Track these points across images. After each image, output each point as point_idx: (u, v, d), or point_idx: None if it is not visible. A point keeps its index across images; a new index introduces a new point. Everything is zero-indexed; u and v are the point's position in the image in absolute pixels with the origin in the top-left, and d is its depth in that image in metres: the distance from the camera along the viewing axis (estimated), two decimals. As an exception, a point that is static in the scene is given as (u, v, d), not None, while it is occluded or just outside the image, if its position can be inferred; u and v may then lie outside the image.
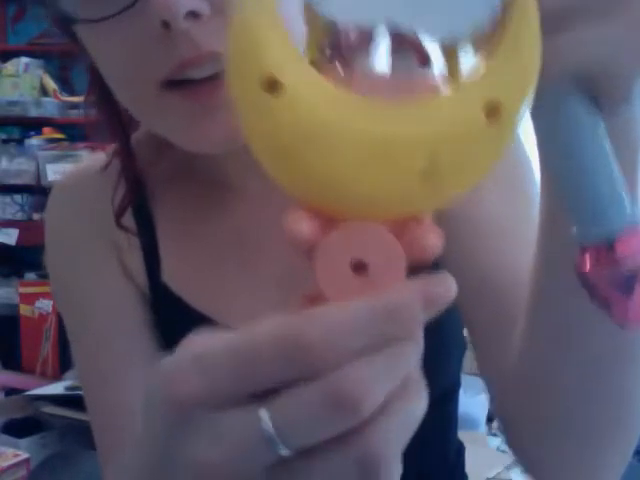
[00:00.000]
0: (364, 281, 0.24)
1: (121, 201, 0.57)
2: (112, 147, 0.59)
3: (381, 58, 0.25)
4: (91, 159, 0.64)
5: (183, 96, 0.44)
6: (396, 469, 0.24)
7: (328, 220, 0.25)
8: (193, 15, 0.41)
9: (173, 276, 0.57)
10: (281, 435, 0.22)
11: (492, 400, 0.50)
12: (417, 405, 0.24)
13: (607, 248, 0.27)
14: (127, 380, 0.55)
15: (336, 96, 0.23)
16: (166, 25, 0.40)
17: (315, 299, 0.24)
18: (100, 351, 0.57)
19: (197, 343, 0.24)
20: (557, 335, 0.40)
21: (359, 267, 0.24)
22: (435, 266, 0.54)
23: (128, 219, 0.58)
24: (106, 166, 0.59)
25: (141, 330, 0.57)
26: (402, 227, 0.25)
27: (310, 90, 0.23)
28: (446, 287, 0.24)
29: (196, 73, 0.43)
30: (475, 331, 0.49)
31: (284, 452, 0.22)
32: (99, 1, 0.43)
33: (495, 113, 0.24)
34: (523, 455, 0.48)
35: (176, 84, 0.44)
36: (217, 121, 0.44)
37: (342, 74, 0.25)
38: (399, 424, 0.24)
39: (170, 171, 0.59)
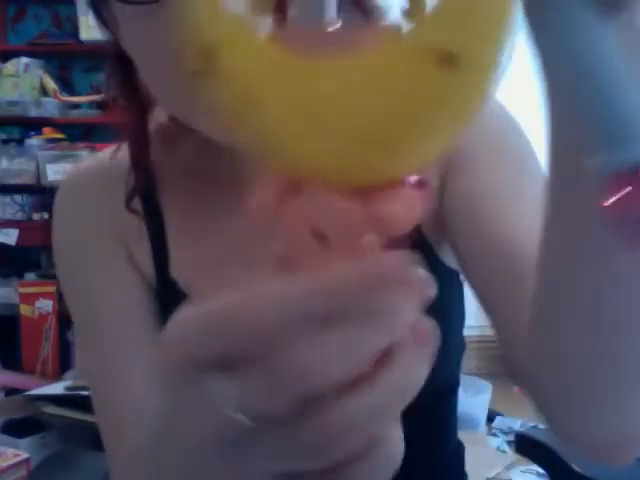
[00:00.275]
0: (326, 250, 0.23)
1: (133, 186, 0.57)
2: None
3: (320, 7, 0.23)
4: (96, 157, 0.64)
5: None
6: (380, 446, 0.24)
7: (294, 187, 0.24)
8: None
9: (181, 271, 0.58)
10: (243, 403, 0.22)
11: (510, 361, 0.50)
12: (407, 371, 0.24)
13: (634, 175, 0.24)
14: (136, 377, 0.54)
15: (270, 61, 0.22)
16: None
17: (285, 263, 0.24)
18: (108, 348, 0.57)
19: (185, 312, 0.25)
20: (575, 295, 0.38)
21: (320, 236, 0.23)
22: (423, 242, 0.56)
23: (139, 220, 0.58)
24: (115, 153, 0.59)
25: (150, 325, 0.57)
26: (372, 195, 0.23)
27: (244, 62, 0.23)
28: (399, 264, 0.23)
29: None
30: (491, 306, 0.50)
31: (245, 420, 0.22)
32: None
33: (447, 62, 0.21)
34: (550, 409, 0.47)
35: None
36: None
37: (279, 28, 0.23)
38: (379, 395, 0.23)
39: (181, 166, 0.59)
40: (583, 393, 0.41)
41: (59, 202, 0.62)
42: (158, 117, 0.60)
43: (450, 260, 0.59)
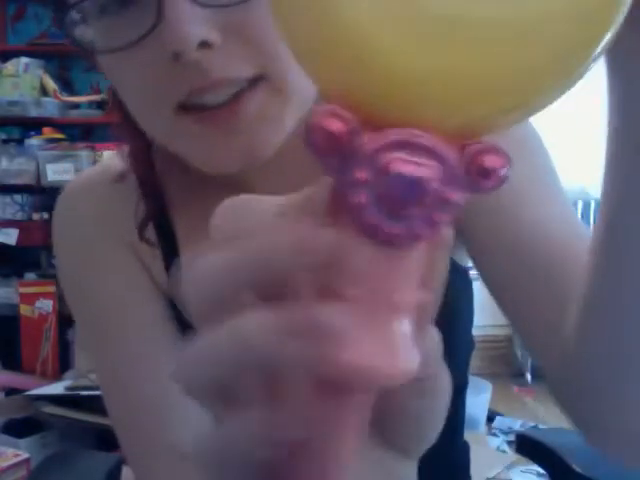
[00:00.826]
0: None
1: (143, 217, 0.57)
2: (124, 152, 0.59)
3: None
4: (103, 164, 0.63)
5: (197, 121, 0.44)
6: None
7: (363, 123, 0.19)
8: (205, 45, 0.42)
9: None
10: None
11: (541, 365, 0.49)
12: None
13: None
14: (155, 376, 0.53)
15: None
16: (177, 56, 0.41)
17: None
18: (126, 348, 0.56)
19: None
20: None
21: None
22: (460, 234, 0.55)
23: (149, 228, 0.57)
24: (121, 178, 0.58)
25: (165, 324, 0.56)
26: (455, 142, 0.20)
27: None
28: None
29: (210, 99, 0.44)
30: (522, 301, 0.49)
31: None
32: (115, 31, 0.44)
33: None
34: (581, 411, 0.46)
35: (191, 108, 0.44)
36: (232, 146, 0.45)
37: None
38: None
39: (189, 180, 0.58)
40: (633, 389, 0.41)
41: (62, 207, 0.61)
42: None
43: (459, 257, 0.59)
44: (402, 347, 0.20)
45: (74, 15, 0.45)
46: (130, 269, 0.57)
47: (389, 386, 0.20)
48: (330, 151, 0.19)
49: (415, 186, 0.19)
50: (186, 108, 0.45)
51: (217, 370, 0.21)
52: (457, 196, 0.19)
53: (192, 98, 0.44)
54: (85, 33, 0.45)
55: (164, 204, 0.59)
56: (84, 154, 2.52)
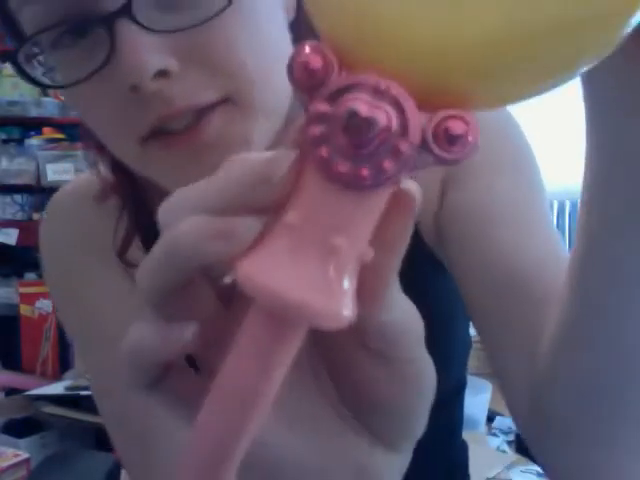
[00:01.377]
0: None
1: (124, 238, 0.57)
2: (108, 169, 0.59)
3: None
4: (84, 177, 0.64)
5: (164, 147, 0.44)
6: None
7: (344, 65, 0.20)
8: (162, 74, 0.40)
9: None
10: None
11: (509, 396, 0.48)
12: None
13: None
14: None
15: None
16: (135, 88, 0.40)
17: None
18: (110, 357, 0.54)
19: None
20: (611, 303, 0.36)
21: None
22: (423, 245, 0.53)
23: (134, 238, 0.58)
24: (102, 198, 0.58)
25: None
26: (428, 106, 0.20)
27: None
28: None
29: (174, 124, 0.43)
30: (492, 323, 0.48)
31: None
32: (70, 64, 0.43)
33: None
34: (550, 455, 0.45)
35: (156, 135, 0.44)
36: (199, 167, 0.43)
37: None
38: None
39: (173, 185, 0.59)
40: (592, 420, 0.39)
41: (50, 218, 0.61)
42: None
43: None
44: (329, 289, 0.20)
45: (29, 49, 0.43)
46: (116, 279, 0.57)
47: (294, 320, 0.20)
48: (306, 85, 0.20)
49: (365, 126, 0.19)
50: (151, 136, 0.44)
51: (156, 274, 0.22)
52: (409, 149, 0.20)
53: (156, 127, 0.43)
54: (41, 67, 0.44)
55: (150, 216, 0.59)
56: (84, 154, 2.52)
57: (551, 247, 0.48)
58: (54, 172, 2.52)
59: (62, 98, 2.61)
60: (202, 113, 0.43)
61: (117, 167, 0.57)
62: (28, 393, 2.19)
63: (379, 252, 0.21)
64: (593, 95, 0.30)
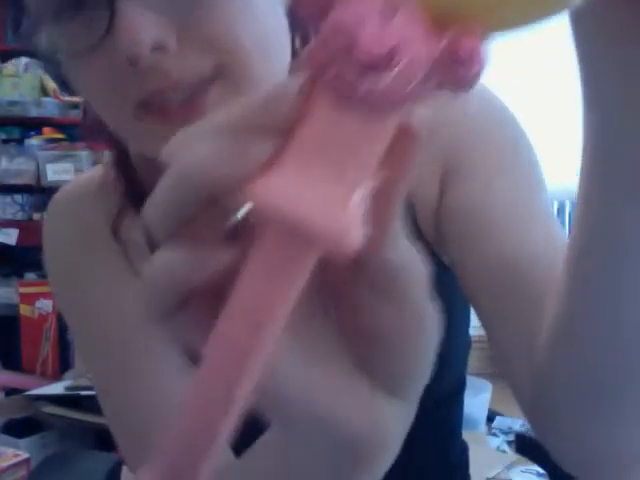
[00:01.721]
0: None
1: (116, 214, 0.58)
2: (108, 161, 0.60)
3: None
4: (90, 172, 0.64)
5: (159, 121, 0.44)
6: None
7: None
8: (159, 48, 0.42)
9: None
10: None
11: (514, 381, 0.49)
12: None
13: None
14: (157, 377, 0.53)
15: None
16: (133, 60, 0.41)
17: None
18: (123, 352, 0.56)
19: None
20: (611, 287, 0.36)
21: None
22: (424, 242, 0.54)
23: (137, 233, 0.58)
24: (103, 182, 0.59)
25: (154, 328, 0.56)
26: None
27: None
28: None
29: (171, 97, 0.44)
30: (493, 318, 0.49)
31: None
32: (70, 37, 0.44)
33: None
34: (549, 423, 0.46)
35: (151, 109, 0.44)
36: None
37: None
38: None
39: None
40: (602, 403, 0.40)
41: (51, 215, 0.62)
42: None
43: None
44: (341, 211, 0.20)
45: (30, 21, 0.44)
46: (118, 274, 0.57)
47: (305, 240, 0.20)
48: (315, 8, 0.20)
49: (377, 44, 0.19)
50: (146, 108, 0.44)
51: (169, 204, 0.22)
52: (419, 69, 0.19)
53: (152, 99, 0.44)
54: (42, 39, 0.45)
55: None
56: (84, 154, 2.52)
57: (550, 242, 0.49)
58: (54, 172, 2.52)
59: (62, 98, 2.62)
60: (199, 88, 0.44)
61: (119, 163, 0.58)
62: (28, 393, 2.19)
63: (386, 180, 0.22)
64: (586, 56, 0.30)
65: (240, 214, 0.22)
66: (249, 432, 0.26)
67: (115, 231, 0.58)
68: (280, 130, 0.21)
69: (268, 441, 0.33)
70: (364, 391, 0.27)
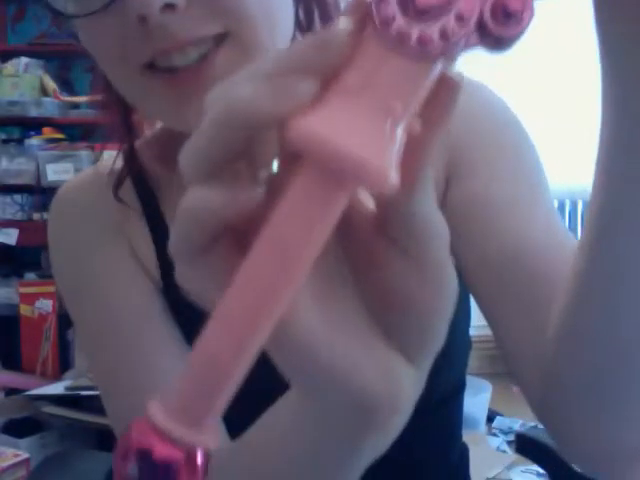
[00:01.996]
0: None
1: (119, 173, 0.60)
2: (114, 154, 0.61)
3: None
4: (92, 167, 0.65)
5: (166, 83, 0.46)
6: None
7: None
8: (168, 7, 0.43)
9: None
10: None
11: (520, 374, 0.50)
12: None
13: None
14: (160, 367, 0.53)
15: None
16: (143, 19, 0.43)
17: None
18: (127, 341, 0.56)
19: None
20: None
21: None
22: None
23: (142, 224, 0.60)
24: (112, 170, 0.61)
25: (162, 316, 0.56)
26: None
27: None
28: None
29: (178, 60, 0.45)
30: (499, 315, 0.50)
31: None
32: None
33: None
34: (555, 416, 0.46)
35: (159, 70, 0.46)
36: (194, 109, 0.45)
37: None
38: None
39: (175, 177, 0.60)
40: (609, 395, 0.41)
41: (57, 205, 0.62)
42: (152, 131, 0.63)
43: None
44: (384, 149, 0.20)
45: None
46: (124, 262, 0.58)
47: (352, 177, 0.20)
48: None
49: None
50: (153, 69, 0.46)
51: (212, 140, 0.22)
52: (467, 22, 0.20)
53: (159, 60, 0.46)
54: (58, 1, 0.47)
55: (156, 195, 0.61)
56: (84, 154, 2.52)
57: (552, 237, 0.50)
58: (54, 172, 2.52)
59: (62, 98, 2.62)
60: (207, 52, 0.45)
61: (128, 156, 0.60)
62: (28, 393, 2.19)
63: (423, 127, 0.22)
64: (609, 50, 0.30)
65: (278, 155, 0.22)
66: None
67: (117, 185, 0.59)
68: (328, 71, 0.21)
69: (286, 402, 0.33)
70: (381, 351, 0.26)
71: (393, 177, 0.20)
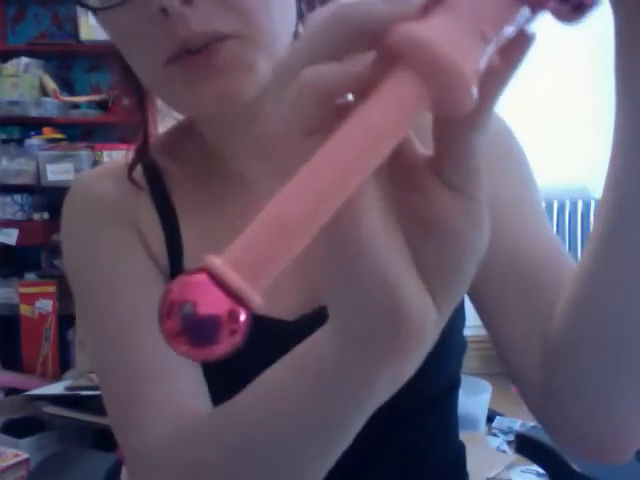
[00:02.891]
0: None
1: (133, 158, 0.64)
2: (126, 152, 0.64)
3: None
4: (107, 163, 0.69)
5: (183, 67, 0.50)
6: None
7: None
8: (186, 1, 0.48)
9: (194, 263, 0.59)
10: None
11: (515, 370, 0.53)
12: None
13: None
14: (152, 347, 0.54)
15: None
16: (164, 11, 0.47)
17: None
18: (129, 329, 0.56)
19: None
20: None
21: None
22: None
23: (152, 213, 0.62)
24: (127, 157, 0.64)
25: None
26: None
27: None
28: None
29: (190, 43, 0.49)
30: (502, 309, 0.53)
31: None
32: None
33: None
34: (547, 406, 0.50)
35: (177, 58, 0.50)
36: (208, 89, 0.50)
37: None
38: None
39: (188, 170, 0.64)
40: (607, 380, 0.44)
41: (71, 197, 0.64)
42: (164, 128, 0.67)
43: None
44: (473, 64, 0.23)
45: None
46: (134, 250, 0.60)
47: (443, 84, 0.22)
48: None
49: None
50: (174, 59, 0.50)
51: (316, 41, 0.25)
52: None
53: (178, 50, 0.49)
54: None
55: (166, 191, 0.63)
56: (84, 154, 2.52)
57: (549, 234, 0.55)
58: (54, 172, 2.52)
59: (62, 98, 2.62)
60: (214, 38, 0.49)
61: (141, 150, 0.63)
62: (28, 393, 2.19)
63: (500, 64, 0.25)
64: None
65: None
66: None
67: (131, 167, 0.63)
68: None
69: (285, 361, 0.37)
70: (418, 279, 0.27)
71: (474, 89, 0.23)
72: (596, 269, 0.42)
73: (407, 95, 0.23)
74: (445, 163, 0.27)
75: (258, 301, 0.21)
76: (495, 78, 0.25)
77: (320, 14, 0.25)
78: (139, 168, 0.64)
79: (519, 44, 0.25)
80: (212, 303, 0.21)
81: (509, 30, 0.24)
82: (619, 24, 0.33)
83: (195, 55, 0.49)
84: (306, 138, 0.24)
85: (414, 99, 0.23)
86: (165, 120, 0.67)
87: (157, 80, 0.53)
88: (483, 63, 0.23)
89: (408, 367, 0.30)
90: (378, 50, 0.24)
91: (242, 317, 0.21)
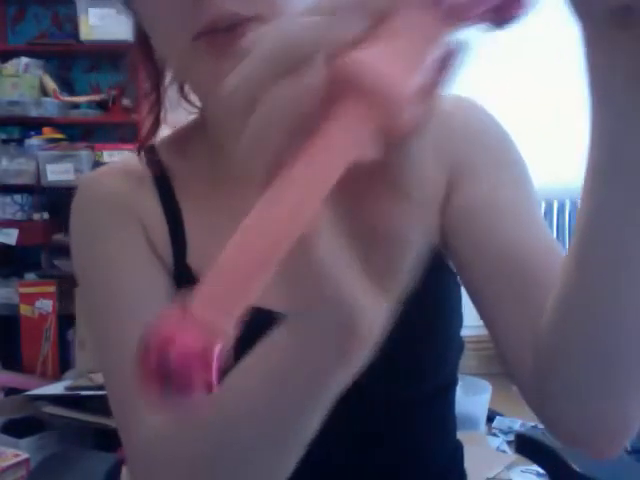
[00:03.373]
0: None
1: (145, 136, 0.66)
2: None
3: None
4: (113, 162, 0.70)
5: (209, 43, 0.51)
6: None
7: None
8: None
9: (198, 261, 0.61)
10: None
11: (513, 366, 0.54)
12: None
13: None
14: None
15: None
16: None
17: None
18: (130, 324, 0.56)
19: None
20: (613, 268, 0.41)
21: None
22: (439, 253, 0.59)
23: (157, 209, 0.63)
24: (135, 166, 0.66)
25: (170, 299, 0.58)
26: None
27: None
28: None
29: (218, 25, 0.51)
30: (498, 306, 0.54)
31: None
32: None
33: None
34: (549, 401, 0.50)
35: (205, 34, 0.51)
36: (233, 64, 0.49)
37: None
38: None
39: (194, 167, 0.65)
40: (598, 382, 0.45)
41: (79, 194, 0.65)
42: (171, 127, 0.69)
43: (448, 260, 0.61)
44: (412, 80, 0.25)
45: None
46: (139, 249, 0.61)
47: (381, 94, 0.24)
48: None
49: None
50: (200, 37, 0.51)
51: (260, 62, 0.26)
52: None
53: (205, 31, 0.51)
54: None
55: (172, 188, 0.65)
56: (84, 154, 2.52)
57: (549, 236, 0.56)
58: (54, 172, 2.52)
59: (62, 98, 2.62)
60: (240, 21, 0.51)
61: (148, 152, 0.65)
62: (28, 393, 2.19)
63: (431, 79, 0.26)
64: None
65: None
66: None
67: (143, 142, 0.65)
68: (377, 15, 0.25)
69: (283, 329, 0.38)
70: (365, 283, 0.29)
71: (412, 109, 0.24)
72: (576, 274, 0.43)
73: (351, 122, 0.25)
74: (391, 171, 0.28)
75: (232, 331, 0.22)
76: (426, 92, 0.26)
77: (269, 32, 0.26)
78: (144, 163, 0.65)
79: (449, 59, 0.26)
80: (185, 342, 0.22)
81: (442, 48, 0.26)
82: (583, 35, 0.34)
83: (222, 34, 0.51)
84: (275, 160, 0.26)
85: (358, 125, 0.25)
86: (176, 111, 0.68)
87: (182, 54, 0.54)
88: (420, 82, 0.25)
89: (358, 362, 0.32)
90: (327, 75, 0.25)
91: (215, 353, 0.22)
